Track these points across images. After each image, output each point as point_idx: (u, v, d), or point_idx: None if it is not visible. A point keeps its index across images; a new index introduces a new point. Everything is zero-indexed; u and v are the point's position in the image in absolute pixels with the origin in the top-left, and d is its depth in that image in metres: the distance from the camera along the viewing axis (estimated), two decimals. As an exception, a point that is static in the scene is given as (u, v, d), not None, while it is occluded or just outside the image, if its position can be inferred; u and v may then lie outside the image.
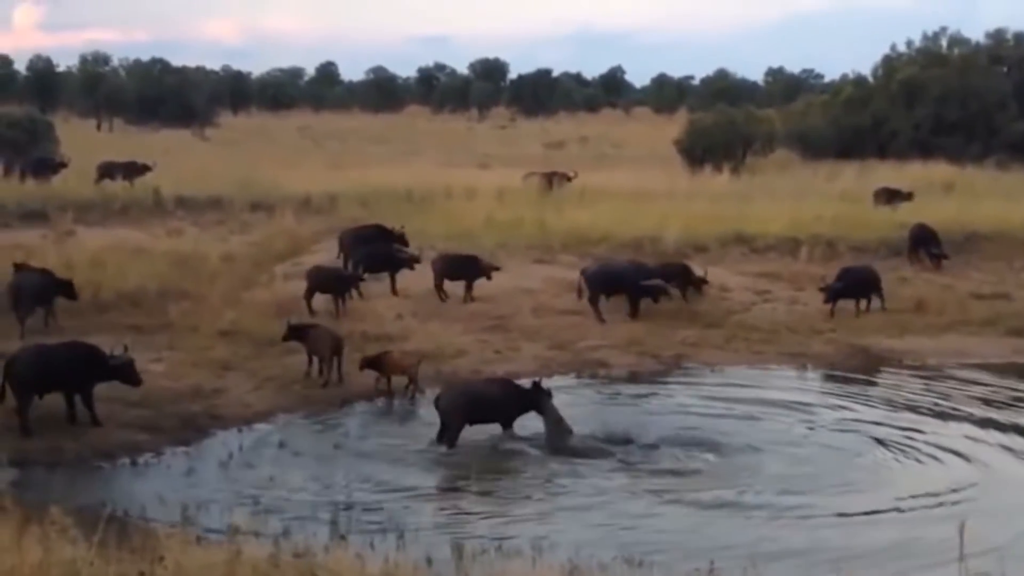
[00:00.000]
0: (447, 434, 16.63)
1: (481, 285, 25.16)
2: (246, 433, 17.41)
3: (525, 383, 17.31)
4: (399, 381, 19.34)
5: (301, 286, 24.03)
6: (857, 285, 24.90)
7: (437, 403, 16.98)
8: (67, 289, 22.06)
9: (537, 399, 16.88)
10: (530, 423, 16.96)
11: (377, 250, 25.54)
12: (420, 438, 17.01)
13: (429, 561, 10.66)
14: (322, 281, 23.42)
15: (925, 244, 29.06)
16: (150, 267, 25.38)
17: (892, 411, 19.02)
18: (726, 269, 27.47)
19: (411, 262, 25.13)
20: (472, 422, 16.76)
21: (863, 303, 24.94)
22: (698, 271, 25.32)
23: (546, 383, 17.34)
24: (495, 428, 16.99)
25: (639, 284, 24.08)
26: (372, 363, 19.32)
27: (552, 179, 39.30)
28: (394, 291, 24.98)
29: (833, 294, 24.53)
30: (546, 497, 15.01)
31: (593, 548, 12.70)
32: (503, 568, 10.62)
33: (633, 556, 12.17)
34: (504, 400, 16.92)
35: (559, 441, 16.68)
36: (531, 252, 28.99)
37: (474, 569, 10.30)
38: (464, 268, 25.01)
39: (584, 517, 14.19)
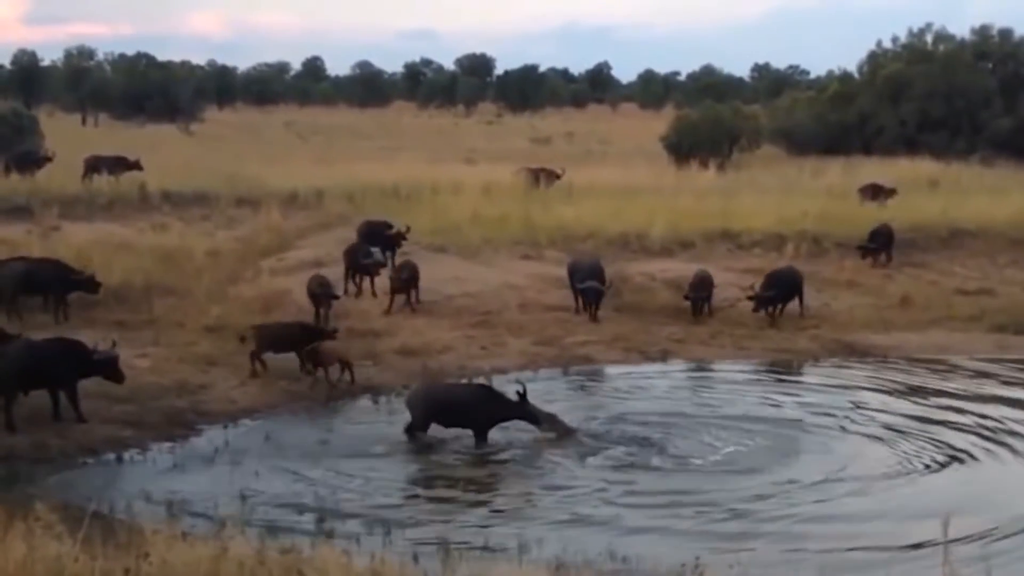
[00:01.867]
0: (411, 426, 16.71)
1: (467, 280, 25.14)
2: (231, 429, 17.39)
3: (510, 394, 16.95)
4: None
5: (287, 282, 23.98)
6: (787, 289, 24.42)
7: (407, 398, 17.16)
8: (86, 285, 22.04)
9: (521, 409, 16.63)
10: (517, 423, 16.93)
11: (354, 249, 25.31)
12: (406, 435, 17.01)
13: (415, 558, 10.67)
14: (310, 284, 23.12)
15: (885, 244, 28.53)
16: (135, 262, 25.28)
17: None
18: (712, 265, 27.45)
19: (375, 268, 24.90)
20: (439, 423, 16.71)
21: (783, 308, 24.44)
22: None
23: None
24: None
25: (575, 286, 24.05)
26: (308, 355, 19.37)
27: (539, 175, 39.17)
28: (359, 291, 24.76)
29: (765, 302, 24.03)
30: (535, 495, 14.97)
31: (580, 545, 12.73)
32: (489, 566, 10.62)
33: (618, 553, 12.20)
34: (474, 406, 16.66)
35: (568, 437, 16.71)
36: (517, 248, 28.97)
37: (460, 567, 10.29)
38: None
39: (572, 514, 14.16)
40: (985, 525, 13.45)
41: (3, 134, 45.55)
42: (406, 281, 23.82)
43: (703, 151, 49.46)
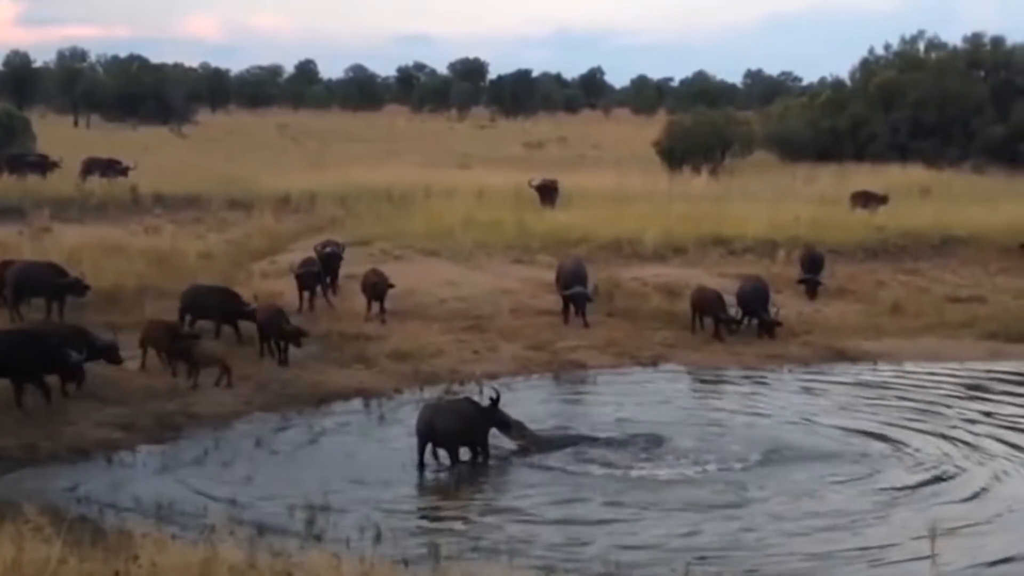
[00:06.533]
0: (454, 457, 16.10)
1: (459, 284, 25.18)
2: (222, 432, 17.34)
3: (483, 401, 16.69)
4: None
5: (279, 284, 23.94)
6: (766, 299, 24.02)
7: (433, 423, 15.97)
8: (73, 287, 22.00)
9: (494, 417, 16.36)
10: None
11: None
12: (397, 438, 16.98)
13: (405, 562, 10.66)
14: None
15: (812, 268, 27.12)
16: (127, 265, 25.24)
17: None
18: (704, 271, 27.50)
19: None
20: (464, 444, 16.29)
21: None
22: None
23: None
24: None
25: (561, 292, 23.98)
26: (180, 353, 19.29)
27: (547, 191, 37.28)
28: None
29: (756, 314, 23.70)
30: (524, 499, 14.94)
31: (570, 550, 12.73)
32: (479, 570, 10.61)
33: (609, 558, 12.19)
34: (483, 421, 16.30)
35: (536, 446, 16.65)
36: (510, 252, 28.96)
37: (450, 570, 10.28)
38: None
39: (561, 519, 14.15)
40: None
41: (-5, 136, 45.56)
42: (387, 286, 23.54)
43: (696, 157, 49.57)
